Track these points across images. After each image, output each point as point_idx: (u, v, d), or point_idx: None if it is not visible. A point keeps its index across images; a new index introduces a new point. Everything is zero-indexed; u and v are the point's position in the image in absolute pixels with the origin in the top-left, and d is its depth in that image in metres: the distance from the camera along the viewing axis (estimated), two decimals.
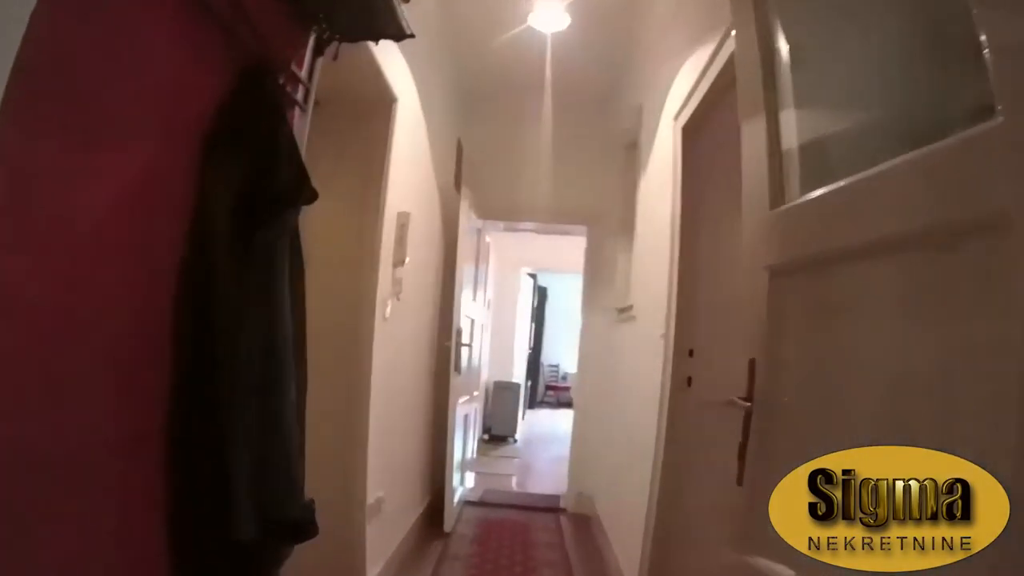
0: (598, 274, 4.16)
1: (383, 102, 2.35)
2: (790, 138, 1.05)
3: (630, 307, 3.11)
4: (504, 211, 4.30)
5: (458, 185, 3.61)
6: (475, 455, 4.71)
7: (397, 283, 2.50)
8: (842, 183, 0.86)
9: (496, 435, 7.11)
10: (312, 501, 1.21)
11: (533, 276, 9.70)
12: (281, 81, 1.26)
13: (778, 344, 1.01)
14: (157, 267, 0.95)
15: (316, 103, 1.93)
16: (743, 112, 1.17)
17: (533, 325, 10.36)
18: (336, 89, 2.01)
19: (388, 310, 2.41)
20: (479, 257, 4.22)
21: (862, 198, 0.82)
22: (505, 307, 7.84)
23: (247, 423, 1.02)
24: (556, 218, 4.22)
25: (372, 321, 2.23)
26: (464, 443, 4.13)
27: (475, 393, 4.38)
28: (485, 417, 7.19)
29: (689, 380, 2.13)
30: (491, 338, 7.43)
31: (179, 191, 0.98)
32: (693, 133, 2.25)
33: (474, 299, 4.17)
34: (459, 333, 3.37)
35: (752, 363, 1.03)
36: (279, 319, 1.13)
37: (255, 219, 1.07)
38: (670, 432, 2.13)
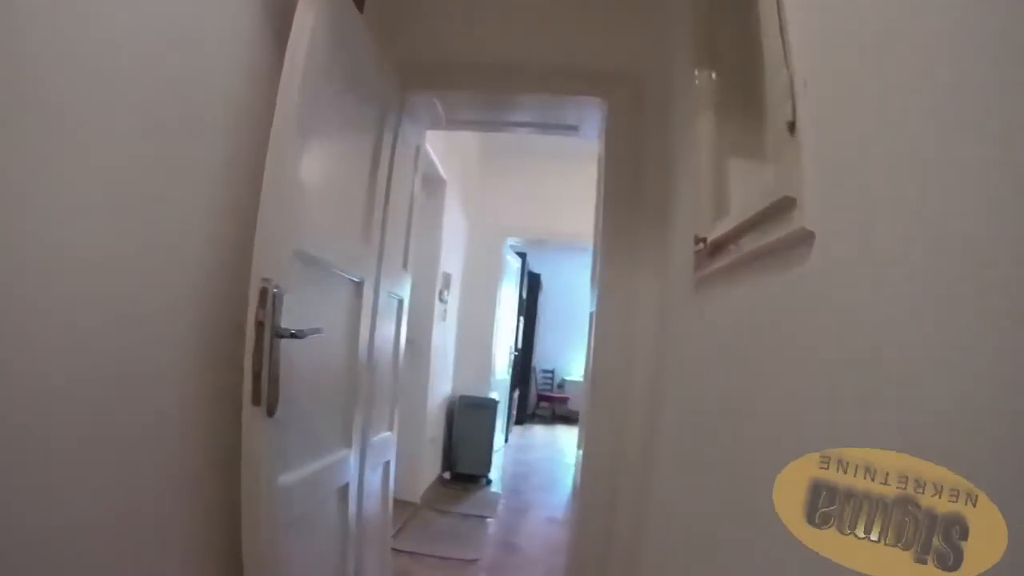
0: (631, 191, 1.99)
1: None
2: None
3: (788, 206, 0.92)
4: (451, 76, 2.12)
5: None
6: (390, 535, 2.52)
7: None
8: None
9: (461, 474, 4.88)
10: None
11: (522, 256, 7.48)
12: None
13: None
14: None
15: None
16: None
17: (522, 320, 8.15)
18: None
19: None
20: (388, 155, 2.03)
21: None
22: (479, 292, 5.60)
23: None
24: (553, 85, 2.02)
25: None
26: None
27: (383, 434, 2.18)
28: (447, 449, 4.99)
29: None
30: (457, 335, 5.20)
31: None
32: None
33: (366, 242, 1.99)
34: (274, 296, 1.18)
35: None
36: None
37: None
38: None
